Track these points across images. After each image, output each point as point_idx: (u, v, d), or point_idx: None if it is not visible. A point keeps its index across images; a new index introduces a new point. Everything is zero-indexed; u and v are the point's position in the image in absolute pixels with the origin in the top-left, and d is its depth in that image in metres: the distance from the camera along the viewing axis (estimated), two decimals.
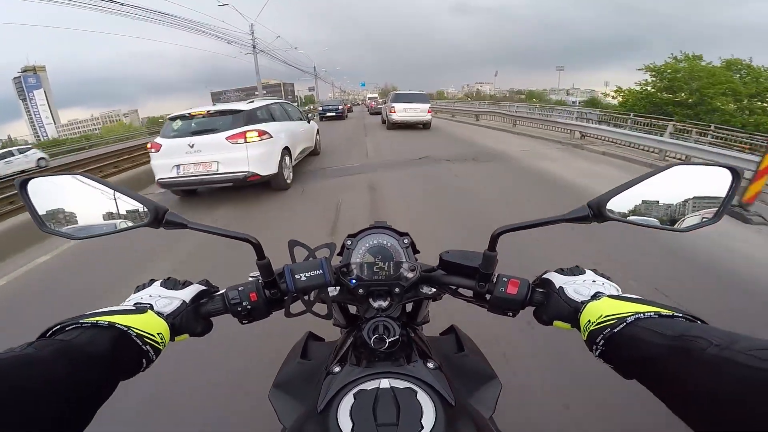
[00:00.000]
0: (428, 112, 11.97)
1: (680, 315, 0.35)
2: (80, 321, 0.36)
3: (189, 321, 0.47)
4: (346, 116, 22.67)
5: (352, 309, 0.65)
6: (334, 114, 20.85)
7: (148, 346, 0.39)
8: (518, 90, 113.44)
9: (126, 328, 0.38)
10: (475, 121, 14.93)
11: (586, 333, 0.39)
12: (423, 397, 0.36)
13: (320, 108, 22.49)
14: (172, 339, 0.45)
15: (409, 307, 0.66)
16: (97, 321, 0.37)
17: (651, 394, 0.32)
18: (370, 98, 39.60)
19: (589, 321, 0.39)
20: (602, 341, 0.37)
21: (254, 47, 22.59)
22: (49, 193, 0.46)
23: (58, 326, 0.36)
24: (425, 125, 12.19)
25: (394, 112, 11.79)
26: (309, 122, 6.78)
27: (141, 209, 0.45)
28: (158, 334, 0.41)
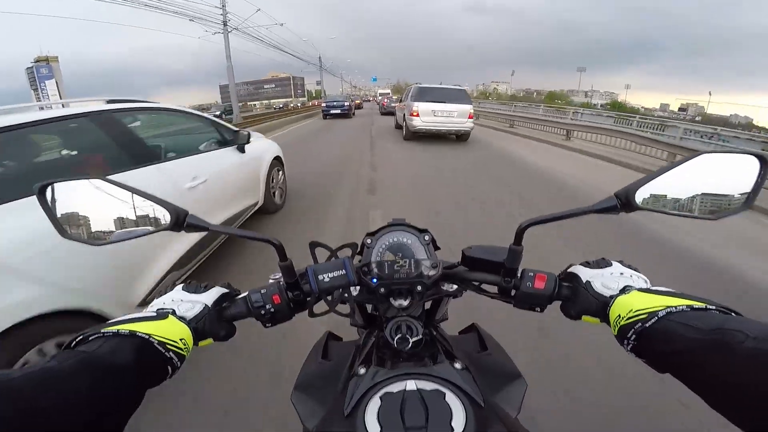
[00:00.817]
0: (469, 117, 7.97)
1: (713, 307, 0.35)
2: (102, 330, 0.36)
3: (212, 325, 0.46)
4: (353, 114, 20.17)
5: (368, 308, 0.65)
6: (339, 111, 18.26)
7: (171, 353, 0.38)
8: (537, 90, 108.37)
9: (147, 336, 0.37)
10: (564, 140, 9.15)
11: (617, 328, 0.39)
12: (452, 399, 0.36)
13: (324, 104, 19.66)
14: (195, 344, 0.44)
15: (427, 304, 0.63)
16: (118, 330, 0.36)
17: (682, 389, 0.33)
18: (381, 94, 35.32)
19: (620, 316, 0.39)
20: (633, 336, 0.37)
21: (225, 23, 18.51)
22: (68, 198, 0.44)
23: (81, 336, 0.35)
24: (461, 136, 8.40)
25: (417, 115, 7.77)
26: (243, 150, 2.78)
27: (162, 212, 0.44)
28: (181, 339, 0.40)
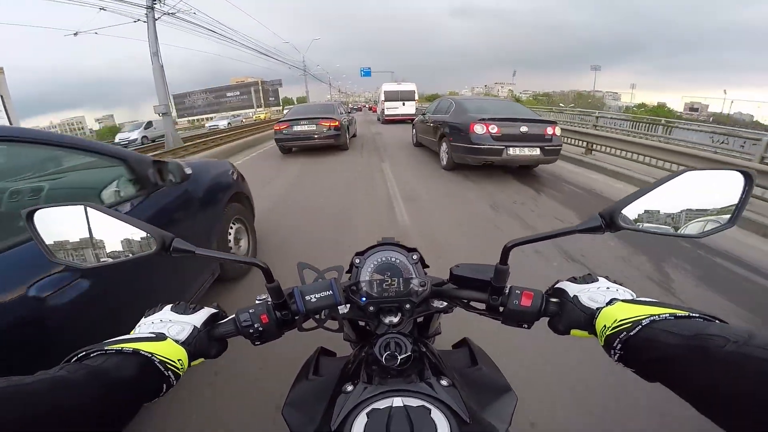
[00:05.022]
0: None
1: (696, 315, 0.38)
2: (105, 348, 0.41)
3: (203, 345, 0.52)
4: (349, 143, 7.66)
5: (362, 322, 0.73)
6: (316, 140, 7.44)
7: (170, 372, 0.44)
8: (545, 93, 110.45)
9: (150, 355, 0.43)
10: None
11: (603, 338, 0.43)
12: (437, 415, 0.40)
13: (280, 128, 8.05)
14: (189, 364, 0.49)
15: (420, 319, 0.72)
16: (122, 348, 0.42)
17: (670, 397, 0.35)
18: (389, 94, 18.54)
19: (605, 326, 0.43)
20: (619, 345, 0.40)
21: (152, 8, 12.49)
22: (56, 223, 0.50)
23: (83, 353, 0.40)
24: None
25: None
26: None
27: (148, 238, 0.50)
28: (178, 360, 0.46)
